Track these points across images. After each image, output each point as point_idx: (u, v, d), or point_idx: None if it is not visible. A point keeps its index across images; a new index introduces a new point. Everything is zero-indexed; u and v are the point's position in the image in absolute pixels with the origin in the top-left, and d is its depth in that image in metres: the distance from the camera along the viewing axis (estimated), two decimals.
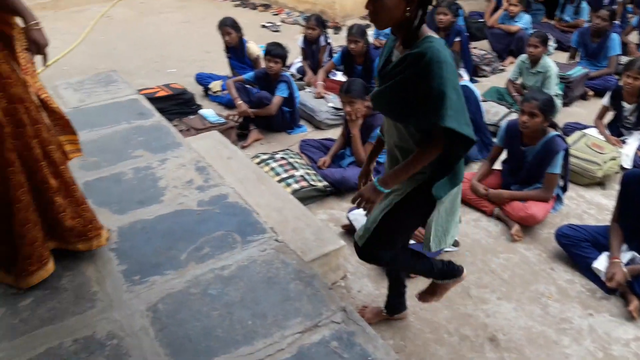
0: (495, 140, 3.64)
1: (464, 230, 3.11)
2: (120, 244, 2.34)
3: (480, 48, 6.13)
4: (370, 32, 6.08)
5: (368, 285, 2.69)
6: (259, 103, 4.32)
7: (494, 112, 4.43)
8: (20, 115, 1.87)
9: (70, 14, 8.31)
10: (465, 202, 3.37)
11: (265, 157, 3.73)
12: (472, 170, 3.76)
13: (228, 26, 4.96)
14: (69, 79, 4.42)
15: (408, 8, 1.63)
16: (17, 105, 1.86)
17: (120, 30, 7.69)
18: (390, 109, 1.81)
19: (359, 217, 2.88)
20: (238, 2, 9.37)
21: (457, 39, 5.21)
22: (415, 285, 2.69)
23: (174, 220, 2.50)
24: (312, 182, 3.43)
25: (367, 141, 3.49)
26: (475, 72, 5.63)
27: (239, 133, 4.41)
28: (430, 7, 1.72)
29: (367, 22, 7.80)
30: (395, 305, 2.42)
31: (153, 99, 4.23)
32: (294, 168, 3.56)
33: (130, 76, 5.19)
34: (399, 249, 2.04)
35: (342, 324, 1.93)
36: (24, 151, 1.91)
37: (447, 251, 2.94)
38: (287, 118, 4.48)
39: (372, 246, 1.94)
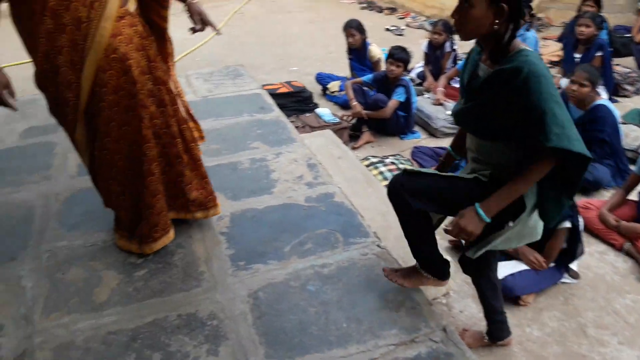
0: (633, 168, 3.27)
1: (586, 262, 2.82)
2: (231, 228, 2.43)
3: (624, 65, 5.56)
4: None
5: (472, 306, 2.53)
6: (374, 105, 4.29)
7: (634, 137, 3.99)
8: (163, 95, 2.03)
9: (207, 9, 8.85)
10: (592, 232, 3.07)
11: (375, 160, 3.69)
12: (603, 197, 3.41)
13: (353, 28, 4.99)
14: (201, 69, 4.72)
15: (497, 21, 1.52)
16: (161, 86, 2.02)
17: (250, 26, 8.09)
18: (480, 128, 1.70)
19: None
20: (364, 5, 9.43)
21: (599, 54, 4.76)
22: (524, 314, 2.51)
23: (281, 212, 2.55)
24: None
25: None
26: (615, 91, 5.12)
27: (352, 134, 4.42)
28: (523, 22, 1.59)
29: None
30: (496, 331, 2.25)
31: (274, 95, 4.37)
32: None
33: (255, 70, 5.42)
34: (424, 214, 1.87)
35: (440, 344, 1.83)
36: (164, 128, 2.05)
37: (564, 282, 2.70)
38: (401, 122, 4.40)
39: (411, 190, 1.78)
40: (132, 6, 1.92)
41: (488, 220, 1.64)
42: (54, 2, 1.74)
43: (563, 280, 2.71)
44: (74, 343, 1.79)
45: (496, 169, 1.74)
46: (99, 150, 2.00)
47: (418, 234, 1.94)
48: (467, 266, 2.03)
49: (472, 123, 1.73)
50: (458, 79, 4.99)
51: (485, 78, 1.63)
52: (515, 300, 2.58)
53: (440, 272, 2.02)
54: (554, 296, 2.64)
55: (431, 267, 2.00)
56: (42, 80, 1.87)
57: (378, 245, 2.33)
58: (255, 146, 3.21)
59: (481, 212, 1.64)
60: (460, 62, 5.04)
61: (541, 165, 1.58)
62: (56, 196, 2.64)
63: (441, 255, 2.01)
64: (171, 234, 2.23)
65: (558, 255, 2.65)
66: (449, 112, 4.48)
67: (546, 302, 2.61)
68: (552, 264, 2.68)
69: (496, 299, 2.14)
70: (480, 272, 2.04)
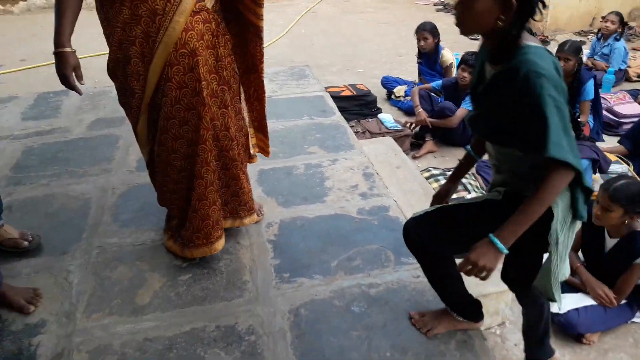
0: None
1: None
2: (279, 237, 2.37)
3: None
4: (586, 52, 5.39)
5: None
6: (440, 113, 4.11)
7: None
8: (225, 96, 2.00)
9: (280, 7, 8.97)
10: None
11: (436, 172, 3.53)
12: None
13: (426, 31, 4.80)
14: (268, 68, 4.70)
15: (502, 17, 1.32)
16: (224, 87, 1.99)
17: (321, 26, 8.05)
18: (490, 134, 1.54)
19: None
20: (440, 7, 9.14)
21: None
22: (587, 353, 2.29)
23: (332, 223, 2.47)
24: None
25: None
26: None
27: (414, 142, 4.26)
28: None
29: (582, 38, 6.99)
30: (532, 351, 2.05)
31: (337, 98, 4.29)
32: (465, 189, 3.30)
33: (321, 70, 5.37)
34: (444, 256, 1.73)
35: None
36: (223, 130, 2.02)
37: (635, 322, 2.47)
38: (468, 133, 4.18)
39: (418, 233, 1.67)
40: (209, 3, 1.89)
41: (506, 251, 1.42)
42: None
43: (635, 319, 2.50)
44: (111, 347, 1.79)
45: (515, 178, 1.58)
46: (158, 146, 2.00)
47: (440, 278, 1.81)
48: (513, 284, 1.87)
49: (482, 129, 1.57)
50: None
51: (488, 82, 1.48)
52: (577, 338, 2.38)
53: (473, 314, 1.87)
54: (623, 337, 2.43)
55: (461, 309, 1.86)
56: (114, 68, 1.90)
57: None
58: (312, 151, 3.14)
59: (497, 241, 1.41)
60: None
61: (553, 179, 1.35)
62: (113, 190, 2.69)
63: (470, 296, 1.87)
64: (217, 246, 2.12)
65: (632, 292, 2.43)
66: None
67: (613, 342, 2.40)
68: (623, 301, 2.45)
69: (542, 320, 1.97)
70: (534, 296, 1.86)
